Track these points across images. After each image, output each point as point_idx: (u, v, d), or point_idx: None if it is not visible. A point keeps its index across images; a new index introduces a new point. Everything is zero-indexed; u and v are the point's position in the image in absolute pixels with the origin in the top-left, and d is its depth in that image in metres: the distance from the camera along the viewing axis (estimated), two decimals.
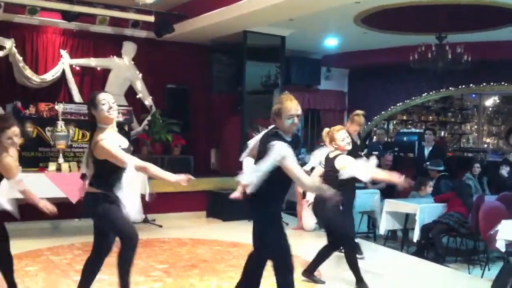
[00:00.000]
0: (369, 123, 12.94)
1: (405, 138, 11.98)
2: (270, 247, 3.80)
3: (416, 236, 6.84)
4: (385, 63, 11.97)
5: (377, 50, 11.70)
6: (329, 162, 5.31)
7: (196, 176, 9.25)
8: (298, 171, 3.67)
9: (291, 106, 3.71)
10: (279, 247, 3.78)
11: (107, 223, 3.92)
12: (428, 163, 8.41)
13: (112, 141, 3.85)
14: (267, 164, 3.56)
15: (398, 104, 12.61)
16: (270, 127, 3.89)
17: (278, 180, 3.65)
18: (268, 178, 3.57)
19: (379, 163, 8.92)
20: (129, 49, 9.94)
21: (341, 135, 5.24)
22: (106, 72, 9.80)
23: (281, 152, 3.58)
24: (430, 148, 9.10)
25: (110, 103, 3.92)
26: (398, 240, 7.88)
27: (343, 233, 5.22)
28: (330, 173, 5.26)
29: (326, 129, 5.66)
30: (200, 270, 5.83)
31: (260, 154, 3.74)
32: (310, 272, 5.40)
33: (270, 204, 3.80)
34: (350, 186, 5.61)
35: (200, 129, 10.78)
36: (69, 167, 7.54)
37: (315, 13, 8.43)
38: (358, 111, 6.55)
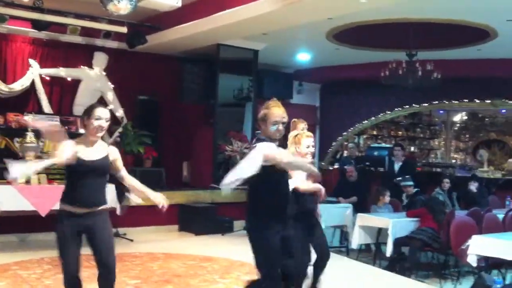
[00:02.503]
0: (339, 138, 13.08)
1: (375, 153, 12.08)
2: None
3: (389, 250, 6.86)
4: (356, 79, 12.13)
5: (349, 65, 11.86)
6: None
7: (168, 189, 9.37)
8: (284, 155, 3.69)
9: (277, 112, 3.70)
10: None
11: None
12: (399, 178, 8.47)
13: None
14: (246, 160, 3.45)
15: (368, 119, 12.79)
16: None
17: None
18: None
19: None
20: (100, 59, 9.82)
21: (308, 142, 4.89)
22: (76, 82, 9.64)
23: (263, 147, 3.54)
24: (400, 163, 9.18)
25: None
26: (371, 253, 7.90)
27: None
28: None
29: (294, 132, 5.12)
30: (174, 285, 5.72)
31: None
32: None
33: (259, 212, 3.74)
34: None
35: (172, 141, 10.68)
36: (39, 179, 7.34)
37: (288, 28, 8.50)
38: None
